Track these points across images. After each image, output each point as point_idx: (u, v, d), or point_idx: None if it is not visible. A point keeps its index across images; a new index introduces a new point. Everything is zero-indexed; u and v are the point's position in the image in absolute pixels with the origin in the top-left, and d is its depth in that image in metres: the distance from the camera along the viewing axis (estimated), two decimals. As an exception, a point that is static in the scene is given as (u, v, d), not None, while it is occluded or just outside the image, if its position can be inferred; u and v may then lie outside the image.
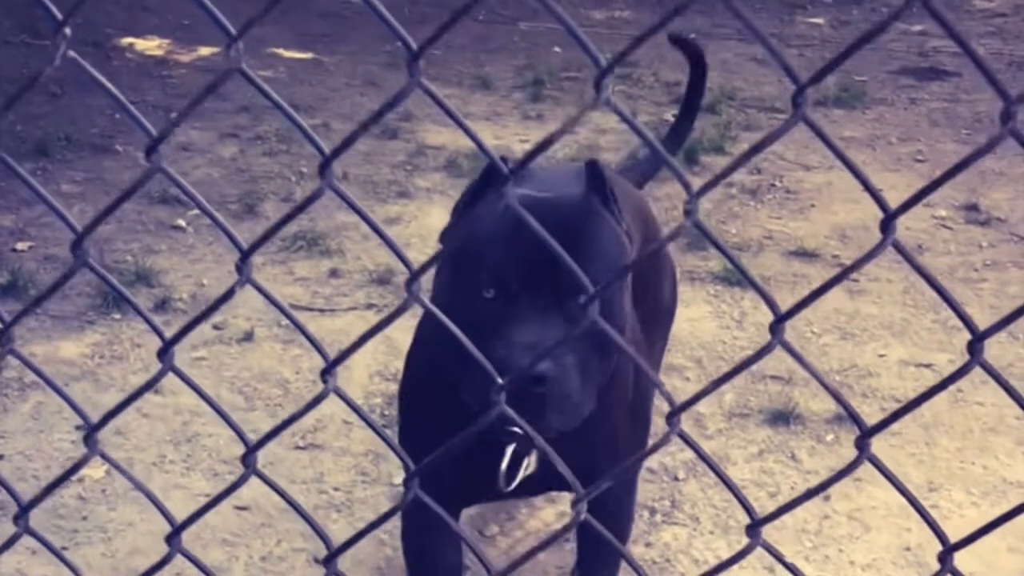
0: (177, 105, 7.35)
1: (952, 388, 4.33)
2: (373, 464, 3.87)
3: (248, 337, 4.63)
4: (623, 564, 3.10)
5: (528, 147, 6.86)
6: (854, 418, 1.04)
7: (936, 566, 1.14)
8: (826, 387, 1.02)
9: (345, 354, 1.14)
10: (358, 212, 1.05)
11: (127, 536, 3.57)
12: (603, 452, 2.60)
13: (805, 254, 5.53)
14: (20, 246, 5.34)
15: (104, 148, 6.53)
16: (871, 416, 4.22)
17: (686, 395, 4.31)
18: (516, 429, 2.24)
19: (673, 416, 1.08)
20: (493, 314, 2.23)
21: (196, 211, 5.79)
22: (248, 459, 1.23)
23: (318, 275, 5.19)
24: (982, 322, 4.10)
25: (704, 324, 4.88)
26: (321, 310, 4.89)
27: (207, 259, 5.31)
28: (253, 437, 4.20)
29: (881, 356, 4.64)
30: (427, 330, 2.88)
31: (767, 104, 7.72)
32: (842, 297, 5.14)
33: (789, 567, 1.15)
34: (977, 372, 4.16)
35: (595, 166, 2.42)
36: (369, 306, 4.91)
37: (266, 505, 3.69)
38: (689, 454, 3.99)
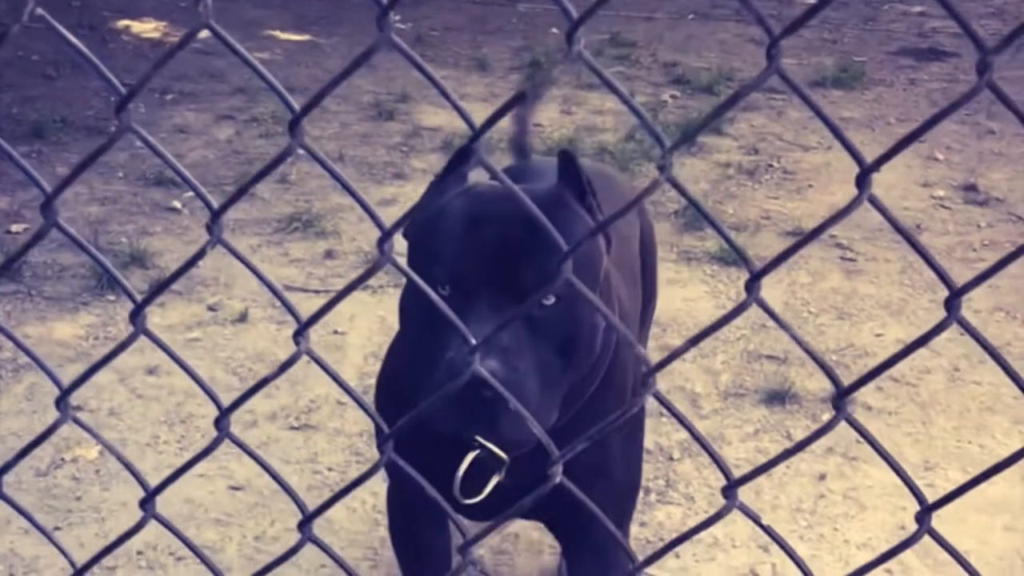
0: (173, 87, 7.33)
1: (949, 367, 4.32)
2: (367, 444, 3.86)
3: (242, 318, 4.62)
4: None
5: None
6: (830, 376, 1.02)
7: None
8: (797, 341, 1.01)
9: (315, 317, 1.12)
10: (330, 171, 1.03)
11: (120, 516, 3.56)
12: (590, 465, 2.31)
13: (802, 234, 5.49)
14: (15, 228, 5.33)
15: (99, 130, 6.50)
16: (866, 395, 4.21)
17: (680, 375, 4.31)
18: (482, 440, 2.13)
19: (649, 376, 1.06)
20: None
21: (191, 193, 5.77)
22: (221, 423, 1.22)
23: (313, 256, 5.18)
24: (980, 302, 4.10)
25: (700, 304, 4.86)
26: (316, 291, 4.88)
27: (202, 240, 5.23)
28: (248, 418, 4.18)
29: (878, 336, 4.62)
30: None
31: (765, 85, 7.68)
32: (839, 277, 5.12)
33: (766, 530, 1.14)
34: (975, 351, 4.15)
35: (567, 157, 2.22)
36: (364, 287, 4.90)
37: (260, 485, 3.68)
38: (684, 434, 3.97)
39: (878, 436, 4.20)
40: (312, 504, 3.74)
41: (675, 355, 1.04)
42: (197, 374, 1.26)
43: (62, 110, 6.69)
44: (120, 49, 8.17)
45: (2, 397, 4.09)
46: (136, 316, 1.16)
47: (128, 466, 1.31)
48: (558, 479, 1.14)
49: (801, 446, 1.12)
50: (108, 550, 1.35)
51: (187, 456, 3.77)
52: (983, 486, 3.49)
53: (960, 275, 5.09)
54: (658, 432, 3.94)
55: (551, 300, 2.02)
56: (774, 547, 3.46)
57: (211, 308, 4.71)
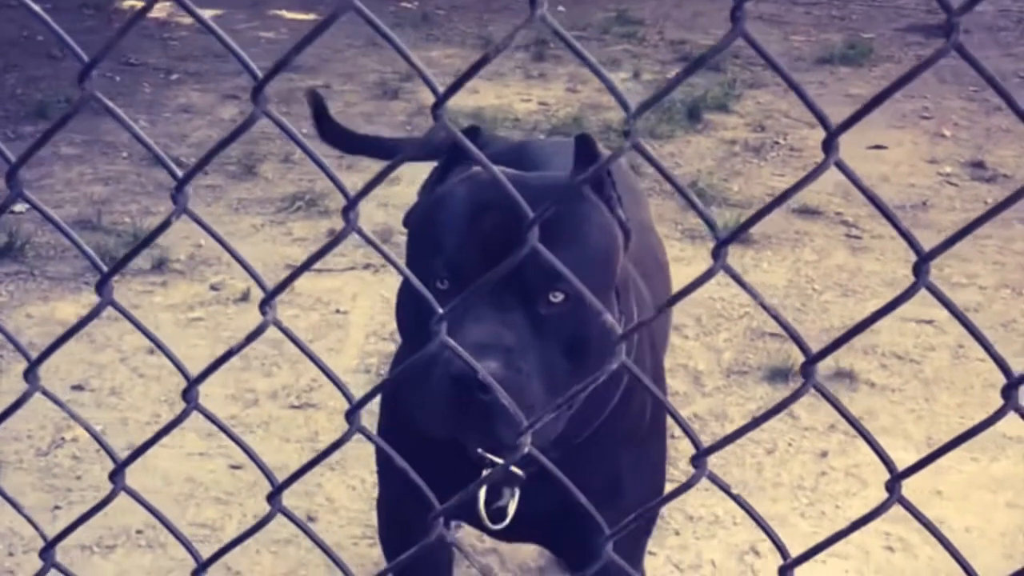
0: (178, 67, 7.32)
1: (954, 344, 4.30)
2: (368, 424, 3.85)
3: (244, 297, 4.61)
4: None
5: (530, 107, 6.85)
6: (799, 344, 1.01)
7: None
8: (766, 308, 0.99)
9: (283, 285, 1.11)
10: (286, 131, 1.02)
11: (121, 495, 3.55)
12: (608, 488, 2.16)
13: (808, 211, 5.49)
14: (18, 208, 5.31)
15: (103, 110, 6.48)
16: (870, 373, 4.19)
17: (683, 352, 4.30)
18: (491, 456, 2.03)
19: (623, 339, 1.05)
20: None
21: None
22: (188, 395, 1.21)
23: (316, 235, 5.17)
24: (987, 279, 4.07)
25: (704, 282, 4.84)
26: (319, 270, 4.87)
27: (206, 220, 5.27)
28: (249, 396, 4.16)
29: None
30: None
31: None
32: (845, 254, 5.10)
33: (735, 498, 1.12)
34: (981, 326, 4.12)
35: (585, 141, 2.03)
36: (367, 266, 4.88)
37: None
38: (685, 412, 3.96)
39: (882, 413, 4.19)
40: (308, 482, 3.73)
41: (639, 325, 1.03)
42: (164, 345, 1.25)
43: (67, 90, 6.69)
44: (125, 29, 8.15)
45: (3, 377, 4.09)
46: (102, 287, 1.15)
47: (97, 437, 1.30)
48: (526, 449, 1.12)
49: (769, 415, 1.10)
50: (79, 523, 1.34)
51: (187, 435, 3.77)
52: (987, 463, 3.48)
53: (966, 252, 5.08)
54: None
55: (558, 298, 1.86)
56: (774, 524, 3.43)
57: (213, 288, 4.70)
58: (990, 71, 0.91)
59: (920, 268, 0.94)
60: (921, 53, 7.98)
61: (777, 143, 6.34)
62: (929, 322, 4.51)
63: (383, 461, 2.50)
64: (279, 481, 1.24)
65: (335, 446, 1.20)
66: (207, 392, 3.99)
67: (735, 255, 5.06)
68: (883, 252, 5.12)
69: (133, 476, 3.63)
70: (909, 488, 3.58)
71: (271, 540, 3.32)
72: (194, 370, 4.30)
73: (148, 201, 5.46)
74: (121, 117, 1.07)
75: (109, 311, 4.21)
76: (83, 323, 1.18)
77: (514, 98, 6.97)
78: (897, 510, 3.71)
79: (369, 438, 1.27)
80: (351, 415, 1.18)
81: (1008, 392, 1.01)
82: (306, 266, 1.09)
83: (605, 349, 1.91)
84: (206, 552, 3.44)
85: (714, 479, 1.10)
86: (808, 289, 4.79)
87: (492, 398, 1.72)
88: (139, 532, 3.37)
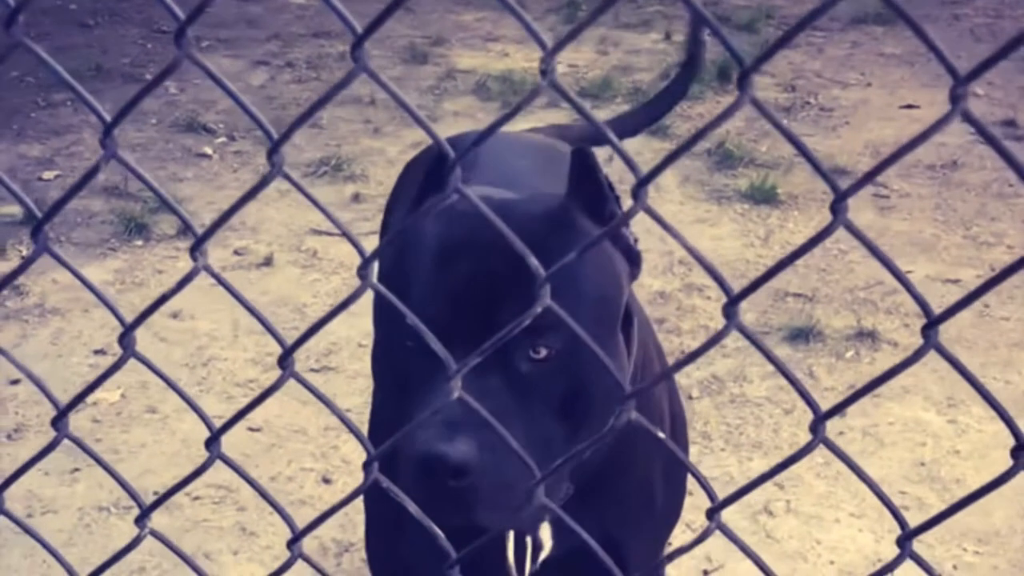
0: (209, 34, 7.33)
1: (978, 304, 4.26)
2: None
3: (267, 262, 4.64)
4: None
5: (560, 69, 6.80)
6: (720, 284, 1.00)
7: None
8: (688, 249, 0.98)
9: (210, 231, 1.11)
10: (216, 80, 1.01)
11: (139, 457, 3.60)
12: (625, 524, 1.96)
13: (836, 171, 5.42)
14: (47, 175, 5.37)
15: (135, 78, 6.52)
16: (892, 333, 4.16)
17: (704, 313, 4.28)
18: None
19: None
20: (415, 372, 1.61)
21: (223, 138, 5.79)
22: (124, 341, 1.22)
23: (341, 200, 5.17)
24: (1016, 238, 4.00)
25: (728, 243, 4.82)
26: (341, 235, 4.88)
27: (231, 186, 5.30)
28: (269, 360, 4.18)
29: (908, 272, 4.55)
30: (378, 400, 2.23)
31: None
32: (872, 214, 5.05)
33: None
34: (1005, 288, 4.06)
35: (583, 158, 1.74)
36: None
37: (277, 426, 3.71)
38: (704, 373, 3.95)
39: (903, 374, 4.16)
40: (329, 444, 3.73)
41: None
42: (104, 295, 1.26)
43: (97, 58, 6.72)
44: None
45: (29, 341, 4.14)
46: (37, 232, 1.16)
47: (42, 387, 1.30)
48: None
49: (697, 354, 1.09)
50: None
51: (207, 399, 3.80)
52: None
53: (995, 210, 5.02)
54: (679, 373, 3.91)
55: (541, 353, 1.60)
56: (789, 484, 3.44)
57: (237, 252, 4.72)
58: None
59: (836, 207, 0.92)
60: (957, 12, 7.85)
61: (808, 103, 6.28)
62: (955, 282, 4.47)
63: (373, 501, 2.17)
64: (216, 426, 1.24)
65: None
66: (227, 356, 4.04)
67: (760, 216, 5.03)
68: (911, 211, 5.06)
69: (152, 439, 3.68)
70: (928, 448, 3.54)
71: (287, 502, 3.35)
72: (216, 333, 4.32)
73: (175, 167, 5.49)
74: (53, 65, 1.07)
75: (133, 275, 4.19)
76: (20, 270, 1.18)
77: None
78: (913, 471, 3.66)
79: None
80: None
81: None
82: (229, 212, 1.09)
83: (608, 401, 1.61)
84: (221, 513, 3.47)
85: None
86: (834, 250, 4.75)
87: (468, 483, 1.53)
88: (156, 493, 3.40)
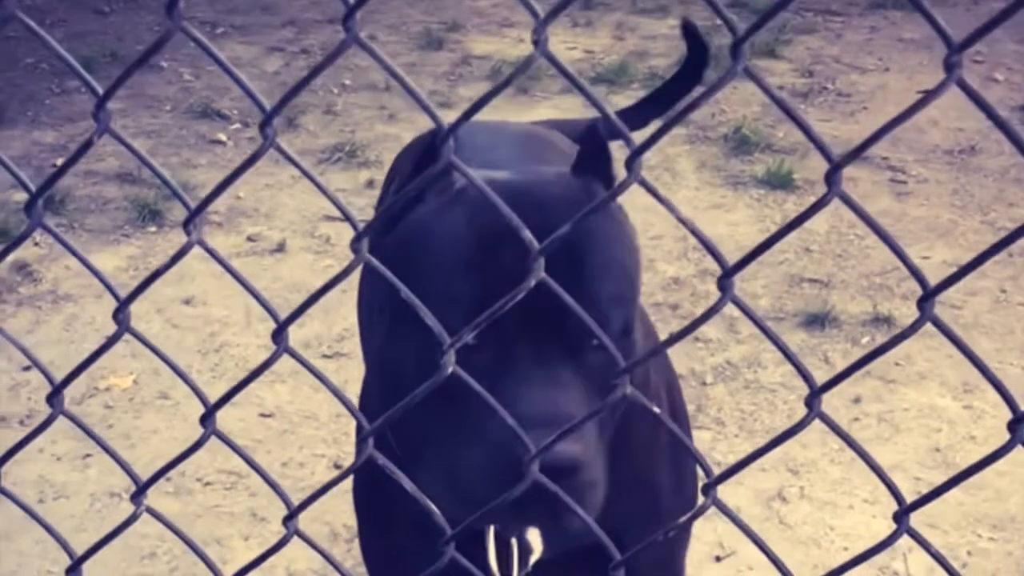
0: (224, 21, 7.32)
1: (996, 289, 4.23)
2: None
3: (280, 248, 4.63)
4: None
5: (575, 55, 6.78)
6: (716, 256, 0.98)
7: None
8: (683, 221, 0.96)
9: (204, 204, 1.10)
10: (204, 49, 0.99)
11: (151, 442, 3.59)
12: (626, 514, 1.74)
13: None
14: (60, 161, 5.36)
15: (149, 64, 6.50)
16: (910, 317, 4.12)
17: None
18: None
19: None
20: (473, 373, 1.26)
21: (237, 125, 5.78)
22: (118, 316, 1.20)
23: (355, 186, 5.16)
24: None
25: (744, 228, 4.79)
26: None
27: (245, 173, 5.27)
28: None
29: (925, 258, 4.51)
30: (373, 396, 1.96)
31: (824, 6, 7.51)
32: (889, 199, 5.02)
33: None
34: (1023, 273, 4.02)
35: (596, 134, 1.67)
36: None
37: (289, 412, 3.70)
38: (718, 359, 3.93)
39: (919, 359, 4.10)
40: (340, 431, 3.73)
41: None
42: (97, 269, 1.24)
43: (112, 44, 6.71)
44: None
45: (41, 327, 4.14)
46: (30, 207, 1.14)
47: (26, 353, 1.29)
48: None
49: (686, 330, 1.07)
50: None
51: (219, 385, 3.79)
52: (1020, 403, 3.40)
53: (1012, 196, 4.98)
54: (692, 357, 3.90)
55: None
56: (803, 470, 3.41)
57: (250, 239, 4.72)
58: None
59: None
60: (977, -5, 7.80)
61: (825, 88, 6.23)
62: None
63: (365, 508, 2.09)
64: (211, 403, 1.23)
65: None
66: (240, 342, 4.03)
67: (776, 201, 5.00)
68: (928, 197, 5.02)
69: (164, 425, 3.67)
70: (943, 433, 3.51)
71: (297, 488, 3.34)
72: (229, 319, 4.32)
73: (189, 153, 5.48)
74: (51, 42, 1.05)
75: (146, 262, 4.20)
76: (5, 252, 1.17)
77: (559, 46, 6.88)
78: (928, 457, 3.63)
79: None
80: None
81: None
82: (220, 188, 1.07)
83: (643, 382, 1.66)
84: (232, 498, 3.46)
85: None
86: (850, 235, 4.72)
87: (568, 484, 1.33)
88: (167, 479, 3.39)
